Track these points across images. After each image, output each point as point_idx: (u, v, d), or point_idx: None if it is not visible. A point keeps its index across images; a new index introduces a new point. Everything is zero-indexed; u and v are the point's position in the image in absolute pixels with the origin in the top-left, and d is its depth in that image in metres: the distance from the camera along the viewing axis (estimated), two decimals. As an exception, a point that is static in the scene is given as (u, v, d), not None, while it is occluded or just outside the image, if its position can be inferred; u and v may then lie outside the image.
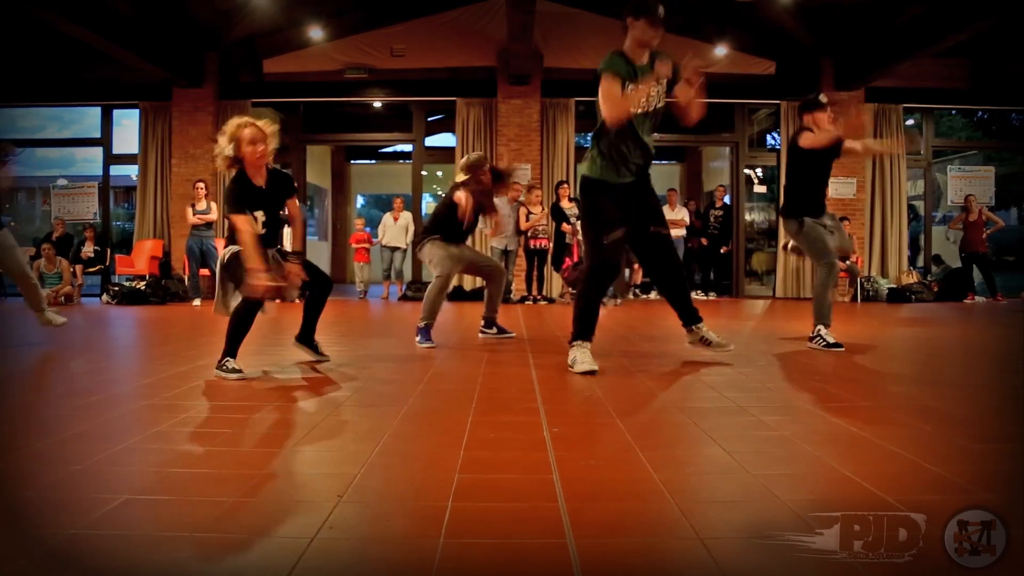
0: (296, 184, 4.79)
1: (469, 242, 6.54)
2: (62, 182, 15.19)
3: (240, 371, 4.22)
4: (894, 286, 12.50)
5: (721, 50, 12.68)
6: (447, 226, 6.12)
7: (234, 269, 4.37)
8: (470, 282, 12.69)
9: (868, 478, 2.19)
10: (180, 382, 4.14)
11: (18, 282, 6.18)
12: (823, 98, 5.90)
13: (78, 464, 2.42)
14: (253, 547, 1.76)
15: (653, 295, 12.76)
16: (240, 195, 4.36)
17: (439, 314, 6.03)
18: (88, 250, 12.75)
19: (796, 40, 12.57)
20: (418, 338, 5.84)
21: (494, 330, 6.40)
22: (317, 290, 4.84)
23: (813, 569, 1.65)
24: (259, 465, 2.45)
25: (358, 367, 4.77)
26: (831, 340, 5.56)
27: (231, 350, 4.30)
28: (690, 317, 4.82)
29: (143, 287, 11.82)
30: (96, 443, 2.74)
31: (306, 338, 4.85)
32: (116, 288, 11.90)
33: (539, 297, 11.63)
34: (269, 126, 4.46)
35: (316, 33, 12.73)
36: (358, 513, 1.98)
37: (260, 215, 4.44)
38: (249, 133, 4.34)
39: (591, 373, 4.25)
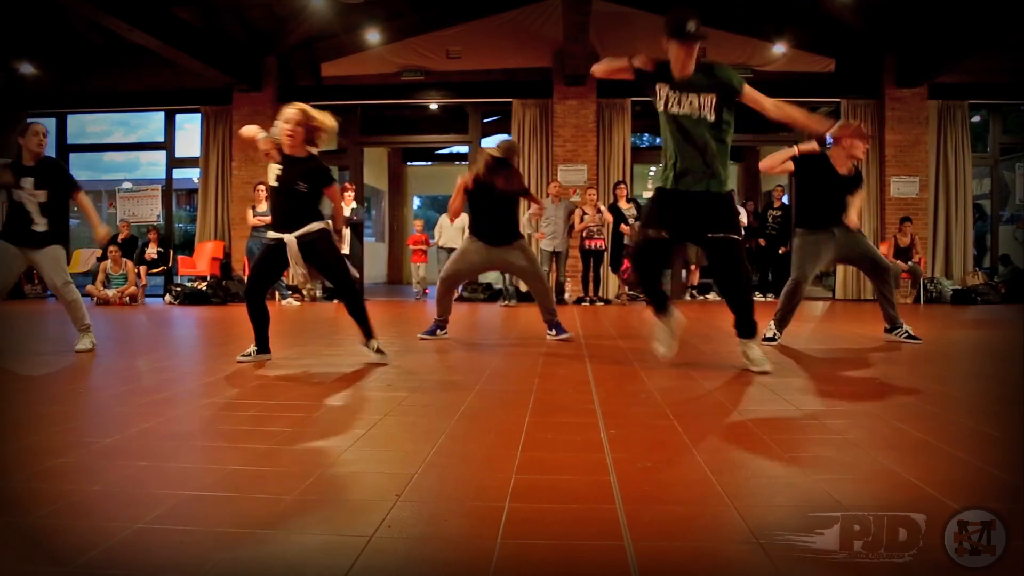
0: (328, 175, 4.93)
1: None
2: (127, 185, 15.58)
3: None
4: (959, 287, 12.17)
5: (779, 48, 12.51)
6: (473, 221, 6.29)
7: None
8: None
9: (933, 484, 2.14)
10: (241, 381, 4.22)
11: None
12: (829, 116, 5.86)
13: (144, 460, 2.48)
14: (313, 545, 1.78)
15: (712, 296, 12.64)
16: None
17: (451, 311, 6.41)
18: (152, 251, 13.04)
19: (857, 36, 12.33)
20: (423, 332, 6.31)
21: (553, 332, 6.32)
22: (342, 298, 4.99)
23: (874, 574, 1.62)
24: (318, 464, 2.48)
25: (415, 367, 4.81)
26: (769, 335, 5.80)
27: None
28: (740, 330, 4.58)
29: (204, 287, 12.05)
30: (161, 440, 2.80)
31: (365, 339, 4.91)
32: (178, 288, 12.16)
33: (595, 298, 11.59)
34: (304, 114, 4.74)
35: (373, 36, 12.85)
36: (416, 512, 1.99)
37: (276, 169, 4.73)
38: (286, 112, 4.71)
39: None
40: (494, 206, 6.12)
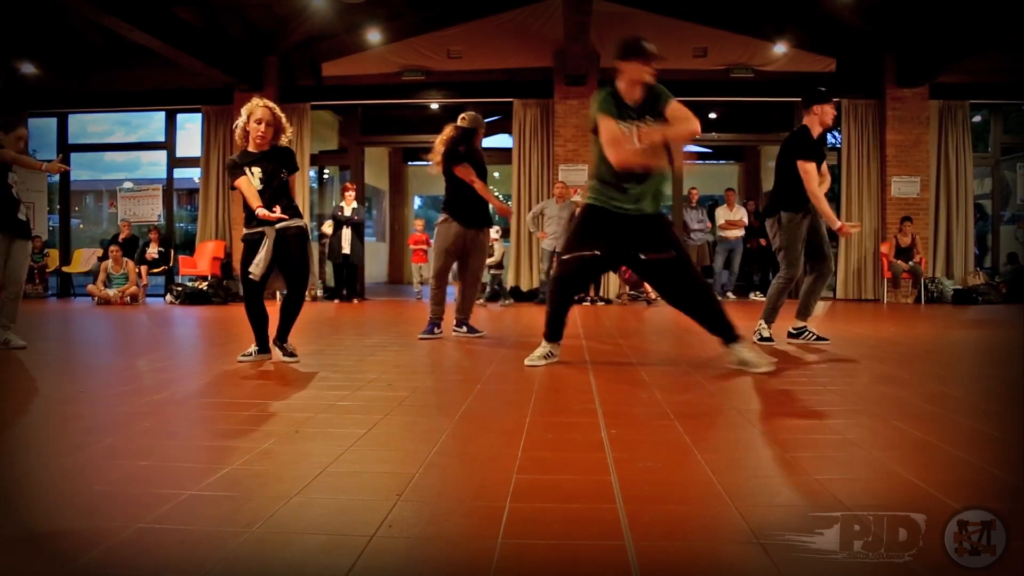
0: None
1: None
2: (128, 185, 15.59)
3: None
4: (960, 287, 12.17)
5: (780, 48, 12.51)
6: (448, 201, 6.38)
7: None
8: (527, 281, 12.71)
9: (934, 484, 2.14)
10: (241, 381, 4.22)
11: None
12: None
13: (145, 460, 2.48)
14: (313, 544, 1.78)
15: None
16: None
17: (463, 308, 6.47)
18: (153, 251, 13.05)
19: (858, 36, 12.33)
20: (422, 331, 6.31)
21: (464, 329, 6.43)
22: (288, 294, 4.98)
23: (873, 574, 1.62)
24: (319, 463, 2.48)
25: (415, 367, 4.81)
26: (766, 334, 5.79)
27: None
28: (723, 335, 4.49)
29: (205, 287, 12.07)
30: (162, 439, 2.80)
31: (279, 340, 4.90)
32: (179, 288, 12.17)
33: (596, 298, 11.59)
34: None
35: (374, 36, 12.86)
36: (417, 512, 1.99)
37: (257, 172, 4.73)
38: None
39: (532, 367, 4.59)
40: (470, 187, 6.17)
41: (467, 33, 12.97)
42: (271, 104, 4.77)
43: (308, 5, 11.87)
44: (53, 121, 13.97)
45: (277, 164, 4.75)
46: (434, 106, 15.01)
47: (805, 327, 5.87)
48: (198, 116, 13.70)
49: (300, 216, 4.88)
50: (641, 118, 4.40)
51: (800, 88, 12.69)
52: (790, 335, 5.87)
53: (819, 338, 5.80)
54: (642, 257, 4.49)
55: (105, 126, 17.48)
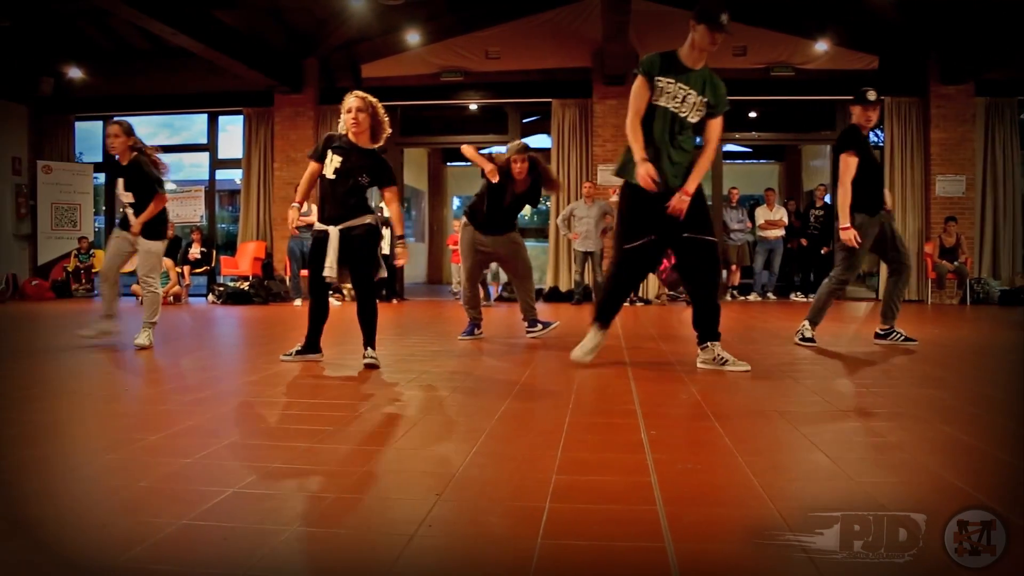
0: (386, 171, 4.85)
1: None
2: (171, 187, 15.78)
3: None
4: (1007, 288, 11.94)
5: (822, 45, 12.35)
6: (478, 212, 6.23)
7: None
8: (566, 282, 12.69)
9: (979, 488, 2.11)
10: (283, 380, 4.26)
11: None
12: (871, 95, 5.66)
13: (188, 457, 2.51)
14: (354, 543, 1.79)
15: (752, 297, 12.54)
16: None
17: (480, 307, 6.51)
18: (195, 252, 13.22)
19: (900, 33, 12.14)
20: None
21: (539, 327, 6.40)
22: (358, 298, 4.84)
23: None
24: (360, 462, 2.50)
25: (454, 367, 4.82)
26: (808, 335, 5.71)
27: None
28: (707, 334, 4.55)
29: (247, 287, 12.20)
30: (205, 438, 2.84)
31: (364, 346, 4.79)
32: (221, 288, 12.32)
33: (635, 299, 11.54)
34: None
35: (412, 38, 12.91)
36: (456, 512, 2.00)
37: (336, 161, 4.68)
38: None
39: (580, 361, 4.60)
40: (508, 204, 6.17)
41: (505, 34, 12.96)
42: (365, 95, 4.70)
43: (347, 7, 11.95)
44: (99, 124, 14.21)
45: (364, 165, 4.67)
46: (472, 107, 15.05)
47: (892, 328, 5.77)
48: (239, 118, 13.87)
49: (367, 214, 4.74)
50: (687, 82, 4.40)
51: (842, 86, 12.65)
52: (877, 336, 5.78)
53: (907, 339, 5.70)
54: (686, 236, 4.47)
55: (149, 128, 17.78)
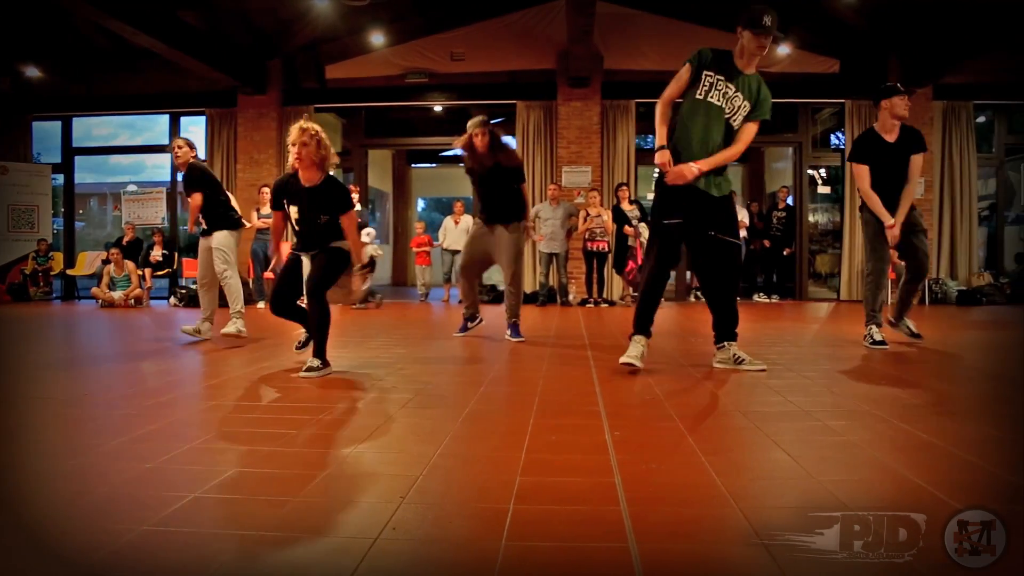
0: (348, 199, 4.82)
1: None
2: (132, 188, 15.60)
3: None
4: (964, 288, 12.15)
5: (784, 49, 12.48)
6: (479, 205, 6.38)
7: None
8: (531, 283, 12.69)
9: (939, 486, 2.14)
10: (245, 383, 4.23)
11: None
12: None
13: (149, 462, 2.48)
14: (317, 547, 1.78)
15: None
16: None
17: (478, 305, 6.63)
18: (156, 254, 13.06)
19: (861, 37, 12.31)
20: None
21: (508, 332, 6.37)
22: (309, 305, 4.80)
23: (875, 574, 1.62)
24: (323, 466, 2.49)
25: (419, 369, 4.81)
26: (877, 338, 5.69)
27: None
28: (725, 334, 4.65)
29: (209, 290, 12.05)
30: (166, 442, 2.81)
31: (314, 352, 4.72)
32: (183, 291, 12.18)
33: (599, 300, 11.58)
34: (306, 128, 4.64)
35: (377, 39, 12.85)
36: (420, 514, 1.99)
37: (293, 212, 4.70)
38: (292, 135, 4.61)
39: (629, 366, 4.45)
40: (498, 185, 6.21)
41: (470, 35, 12.95)
42: (308, 125, 4.60)
43: (312, 8, 11.88)
44: (58, 124, 14.00)
45: (318, 204, 4.63)
46: (437, 108, 15.02)
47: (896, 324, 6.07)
48: (202, 119, 13.72)
49: (339, 240, 4.74)
50: (732, 81, 4.41)
51: (804, 89, 12.80)
52: (890, 323, 6.07)
53: (914, 334, 6.02)
54: (711, 234, 4.50)
55: (110, 129, 17.57)
